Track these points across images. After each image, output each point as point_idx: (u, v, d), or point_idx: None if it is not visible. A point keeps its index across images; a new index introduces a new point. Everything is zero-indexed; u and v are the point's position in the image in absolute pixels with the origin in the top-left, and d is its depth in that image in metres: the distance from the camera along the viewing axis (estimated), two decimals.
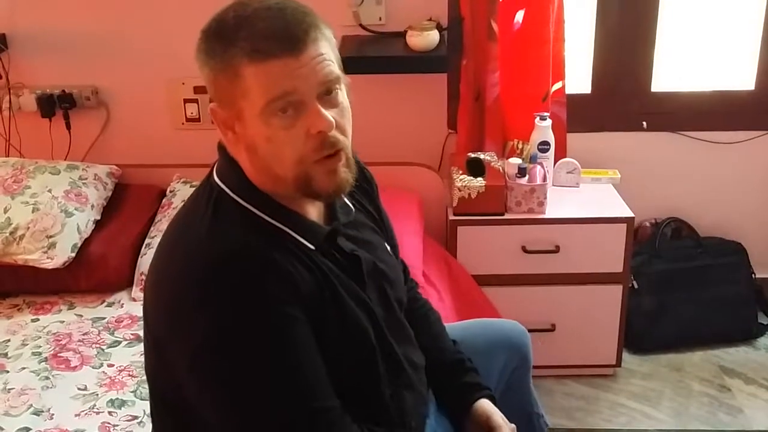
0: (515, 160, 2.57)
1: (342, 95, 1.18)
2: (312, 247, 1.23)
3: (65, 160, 2.69)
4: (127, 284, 2.37)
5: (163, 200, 2.60)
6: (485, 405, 1.47)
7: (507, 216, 2.53)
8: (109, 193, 2.55)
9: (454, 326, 1.68)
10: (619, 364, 2.65)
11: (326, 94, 1.15)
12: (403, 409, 1.34)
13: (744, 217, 2.95)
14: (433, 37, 2.56)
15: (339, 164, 1.18)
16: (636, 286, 2.75)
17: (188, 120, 2.83)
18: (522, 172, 2.54)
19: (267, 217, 1.21)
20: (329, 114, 1.14)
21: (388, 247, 1.47)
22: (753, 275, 2.88)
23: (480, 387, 1.50)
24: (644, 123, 2.86)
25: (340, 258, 1.28)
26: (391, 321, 1.37)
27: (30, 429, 1.77)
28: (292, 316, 1.14)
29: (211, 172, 1.27)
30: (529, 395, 1.65)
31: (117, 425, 1.79)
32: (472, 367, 1.53)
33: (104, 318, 2.23)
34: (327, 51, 1.15)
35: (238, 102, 1.14)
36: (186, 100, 2.80)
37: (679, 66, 2.91)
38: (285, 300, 1.14)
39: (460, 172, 2.59)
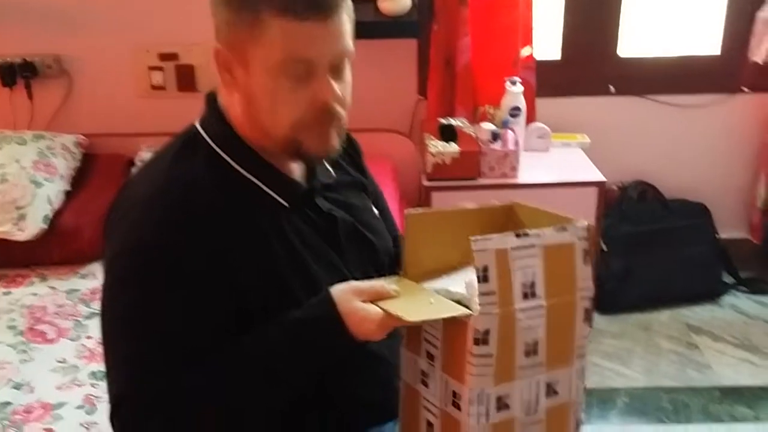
0: (488, 126, 2.58)
1: (348, 70, 1.20)
2: (285, 204, 1.23)
3: (28, 130, 2.61)
4: (101, 255, 2.31)
5: (132, 169, 2.55)
6: None
7: (480, 181, 2.54)
8: (78, 163, 2.50)
9: None
10: (590, 324, 2.70)
11: (336, 67, 1.16)
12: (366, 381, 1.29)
13: (708, 179, 3.01)
14: (404, 2, 2.55)
15: (332, 130, 1.19)
16: (605, 248, 2.80)
17: (154, 88, 2.77)
18: (495, 137, 2.55)
19: (241, 169, 1.21)
20: (336, 86, 1.16)
21: (376, 211, 1.46)
22: (717, 236, 2.96)
23: None
24: (612, 87, 2.89)
25: (315, 218, 1.27)
26: None
27: (11, 403, 1.73)
28: (187, 271, 1.12)
29: (193, 123, 1.26)
30: None
31: (101, 397, 1.75)
32: None
33: (78, 290, 2.19)
34: (347, 25, 1.16)
35: (248, 47, 1.13)
36: (151, 68, 2.74)
37: (646, 31, 2.95)
38: (194, 254, 1.12)
39: (433, 138, 2.59)
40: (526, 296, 1.02)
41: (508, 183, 2.54)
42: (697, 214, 2.93)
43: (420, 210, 1.16)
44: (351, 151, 1.46)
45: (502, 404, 1.03)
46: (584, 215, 2.50)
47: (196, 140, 1.22)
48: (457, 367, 1.03)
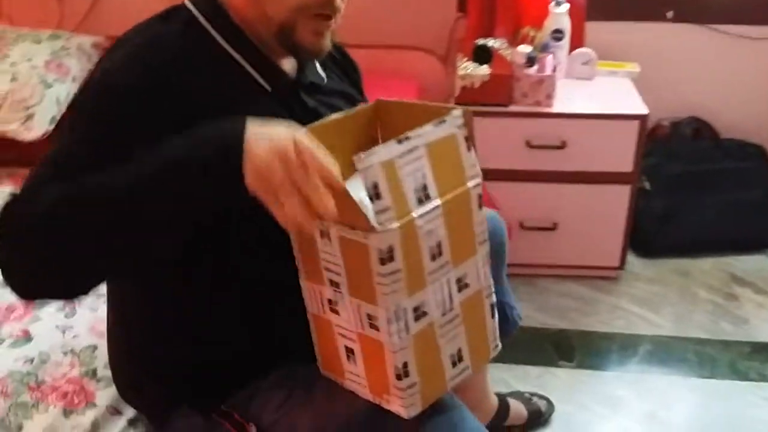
0: (524, 48, 2.41)
1: None
2: (267, 88, 1.18)
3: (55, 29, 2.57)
4: None
5: None
6: None
7: (512, 108, 2.39)
8: (93, 66, 2.45)
9: None
10: (622, 266, 2.55)
11: None
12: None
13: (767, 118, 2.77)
14: None
15: (326, 30, 1.17)
16: (649, 187, 2.62)
17: None
18: (531, 61, 2.38)
19: (223, 41, 1.15)
20: None
21: None
22: None
23: None
24: (669, 13, 2.66)
25: (298, 112, 1.19)
26: None
27: None
28: (140, 115, 1.04)
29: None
30: (501, 285, 1.56)
31: (82, 302, 1.72)
32: None
33: None
34: None
35: None
36: None
37: None
38: (150, 109, 1.05)
39: (465, 59, 2.44)
40: (420, 201, 0.98)
41: (541, 111, 2.38)
42: (752, 156, 2.71)
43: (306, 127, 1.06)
44: (348, 69, 1.40)
45: (419, 313, 1.01)
46: (624, 150, 2.37)
47: (179, 10, 1.17)
48: (367, 290, 0.98)
